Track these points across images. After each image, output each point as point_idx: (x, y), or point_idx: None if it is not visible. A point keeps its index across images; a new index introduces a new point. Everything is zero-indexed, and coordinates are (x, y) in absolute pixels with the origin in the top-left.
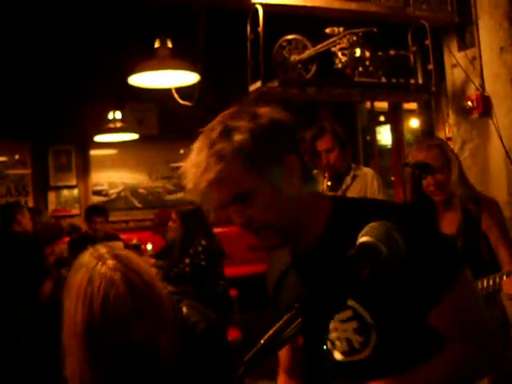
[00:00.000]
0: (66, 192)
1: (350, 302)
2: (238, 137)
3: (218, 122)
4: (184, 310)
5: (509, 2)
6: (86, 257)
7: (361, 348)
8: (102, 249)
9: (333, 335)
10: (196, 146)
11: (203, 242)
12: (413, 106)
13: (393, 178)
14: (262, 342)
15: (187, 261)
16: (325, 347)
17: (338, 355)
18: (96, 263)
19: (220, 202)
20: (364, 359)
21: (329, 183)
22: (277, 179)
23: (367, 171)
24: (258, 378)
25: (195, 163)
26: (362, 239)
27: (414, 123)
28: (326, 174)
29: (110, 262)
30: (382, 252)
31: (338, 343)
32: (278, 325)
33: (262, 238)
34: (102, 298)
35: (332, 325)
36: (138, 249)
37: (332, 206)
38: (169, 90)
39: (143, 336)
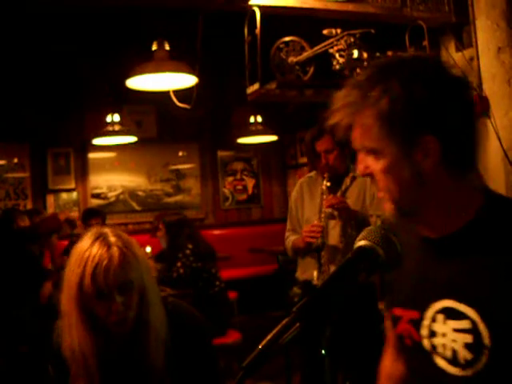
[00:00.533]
0: (64, 195)
1: (471, 313)
2: (375, 94)
3: (377, 65)
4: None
5: (506, 2)
6: (90, 233)
7: (464, 365)
8: (104, 229)
9: (438, 340)
10: (353, 78)
11: (190, 246)
12: None
13: None
14: (260, 347)
15: (179, 264)
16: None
17: (440, 361)
18: (98, 236)
19: (352, 141)
20: (460, 377)
21: (328, 184)
22: (403, 154)
23: None
24: (258, 380)
25: (338, 96)
26: (360, 243)
27: None
28: (325, 175)
29: (112, 238)
30: (380, 256)
31: (440, 350)
32: (276, 330)
33: (381, 195)
34: (96, 263)
35: (441, 328)
36: None
37: (484, 199)
38: (167, 93)
39: (133, 316)
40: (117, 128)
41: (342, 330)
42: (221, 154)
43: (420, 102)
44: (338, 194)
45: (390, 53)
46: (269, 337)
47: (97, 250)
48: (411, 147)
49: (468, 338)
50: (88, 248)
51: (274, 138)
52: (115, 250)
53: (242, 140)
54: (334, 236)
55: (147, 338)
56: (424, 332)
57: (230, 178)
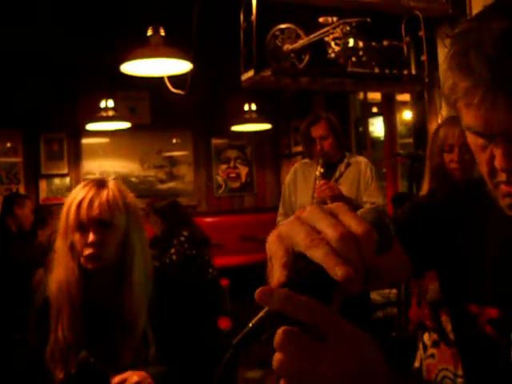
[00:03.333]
0: (57, 180)
1: None
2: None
3: None
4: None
5: None
6: (91, 179)
7: None
8: (106, 177)
9: None
10: None
11: (185, 233)
12: (406, 97)
13: (385, 170)
14: (251, 325)
15: (173, 250)
16: None
17: None
18: (96, 181)
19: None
20: None
21: (321, 170)
22: None
23: (361, 159)
24: (249, 368)
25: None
26: None
27: (407, 115)
28: (320, 161)
29: (108, 183)
30: None
31: None
32: (267, 308)
33: None
34: (83, 197)
35: None
36: None
37: None
38: (161, 79)
39: (112, 259)
40: (110, 114)
41: None
42: (215, 141)
43: None
44: (333, 180)
45: (385, 42)
46: (260, 314)
47: (88, 190)
48: None
49: None
50: (82, 187)
51: (268, 126)
52: (106, 191)
53: (236, 128)
54: None
55: (129, 288)
56: None
57: (224, 166)
